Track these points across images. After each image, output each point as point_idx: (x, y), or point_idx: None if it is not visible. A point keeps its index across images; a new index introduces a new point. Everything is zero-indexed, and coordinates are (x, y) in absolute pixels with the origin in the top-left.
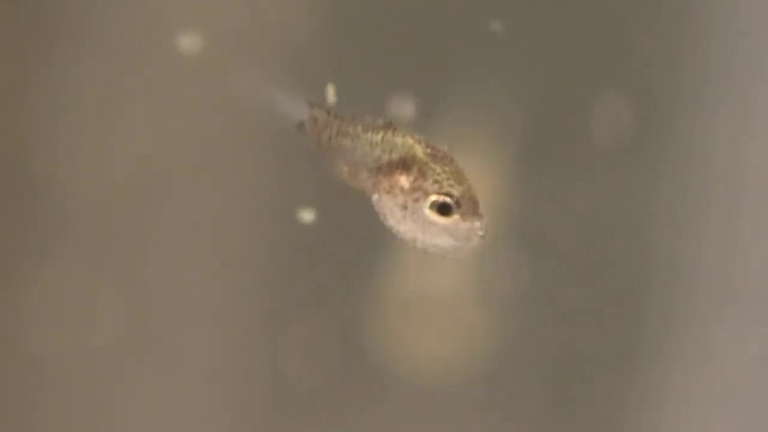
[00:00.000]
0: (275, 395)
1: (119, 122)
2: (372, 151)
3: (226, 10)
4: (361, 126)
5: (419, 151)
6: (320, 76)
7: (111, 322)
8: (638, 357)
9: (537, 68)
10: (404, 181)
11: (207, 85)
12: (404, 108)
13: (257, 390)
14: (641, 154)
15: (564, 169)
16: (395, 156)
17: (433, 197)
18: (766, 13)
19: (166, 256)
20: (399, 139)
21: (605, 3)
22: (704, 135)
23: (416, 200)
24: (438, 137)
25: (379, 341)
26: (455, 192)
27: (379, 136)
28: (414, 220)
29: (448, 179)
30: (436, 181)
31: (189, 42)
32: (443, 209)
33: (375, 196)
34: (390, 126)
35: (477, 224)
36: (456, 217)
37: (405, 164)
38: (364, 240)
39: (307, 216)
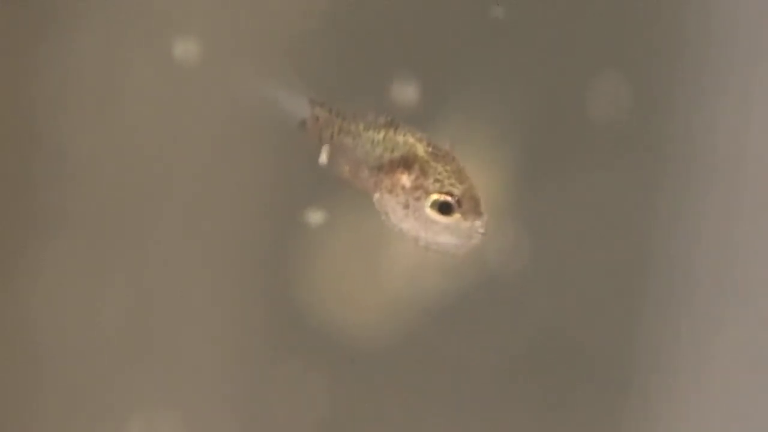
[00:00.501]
0: (275, 395)
1: (121, 121)
2: (373, 150)
3: (227, 8)
4: (362, 124)
5: (420, 149)
6: (322, 75)
7: (111, 323)
8: (638, 356)
9: (536, 66)
10: (405, 179)
11: (208, 84)
12: (405, 101)
13: (257, 389)
14: (642, 150)
15: (564, 169)
16: (397, 154)
17: (435, 196)
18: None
19: (168, 254)
20: (400, 138)
21: None
22: (705, 131)
23: (417, 199)
24: (439, 135)
25: (380, 341)
26: (456, 191)
27: (381, 135)
28: (416, 219)
29: (449, 178)
30: (437, 180)
31: (191, 41)
32: (444, 208)
33: (376, 195)
34: (391, 124)
35: (478, 223)
36: (457, 216)
37: (406, 163)
38: (367, 239)
39: (309, 215)
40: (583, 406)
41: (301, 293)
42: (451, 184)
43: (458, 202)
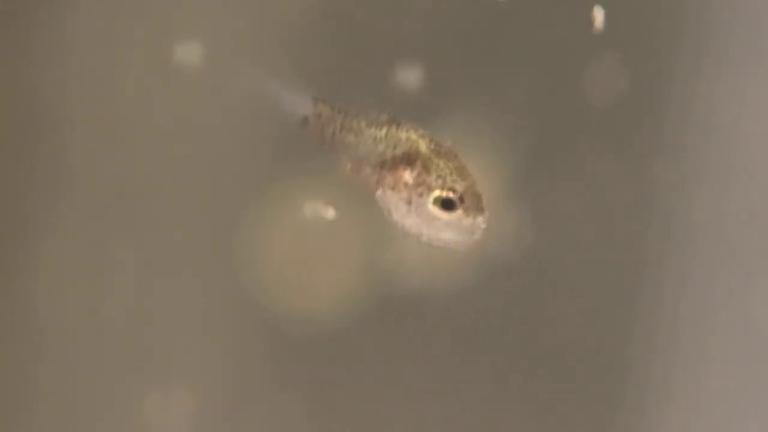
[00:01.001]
0: (275, 394)
1: (122, 122)
2: (376, 147)
3: (229, 7)
4: (365, 121)
5: (423, 146)
6: (324, 72)
7: (111, 322)
8: (637, 355)
9: (537, 66)
10: (408, 176)
11: (210, 83)
12: (407, 98)
13: (257, 389)
14: (644, 145)
15: (564, 169)
16: (399, 151)
17: (437, 192)
18: None
19: (168, 254)
20: (403, 135)
21: None
22: (704, 129)
23: (420, 195)
24: (441, 132)
25: (380, 337)
26: (459, 187)
27: (383, 132)
28: (418, 215)
29: (451, 174)
30: (439, 177)
31: (192, 41)
32: (447, 204)
33: (379, 192)
34: (394, 121)
35: (480, 219)
36: (459, 212)
37: (409, 159)
38: (370, 236)
39: (312, 212)
40: (581, 403)
41: (303, 289)
42: (454, 181)
43: (461, 198)
